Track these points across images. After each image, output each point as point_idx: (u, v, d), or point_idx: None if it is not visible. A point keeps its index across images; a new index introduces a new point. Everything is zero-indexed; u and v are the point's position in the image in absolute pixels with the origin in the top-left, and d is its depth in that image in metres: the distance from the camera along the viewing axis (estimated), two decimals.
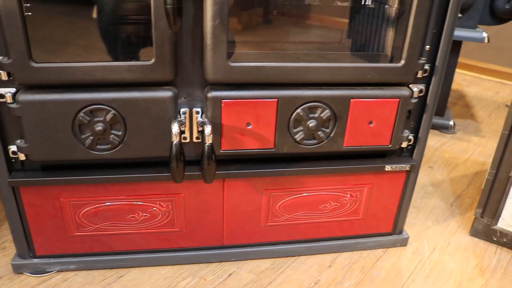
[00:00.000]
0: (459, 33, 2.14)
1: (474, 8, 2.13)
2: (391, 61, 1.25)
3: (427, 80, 1.28)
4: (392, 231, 1.49)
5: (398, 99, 1.23)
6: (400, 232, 1.51)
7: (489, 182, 1.47)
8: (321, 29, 1.35)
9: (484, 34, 2.10)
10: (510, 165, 1.41)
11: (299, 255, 1.44)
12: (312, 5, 1.27)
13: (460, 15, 2.12)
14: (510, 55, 1.26)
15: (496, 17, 2.14)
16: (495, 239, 1.54)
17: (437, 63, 1.25)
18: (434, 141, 2.24)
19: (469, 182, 1.91)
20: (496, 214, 1.50)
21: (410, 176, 1.38)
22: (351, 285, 1.35)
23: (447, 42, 1.23)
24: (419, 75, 1.25)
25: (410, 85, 1.26)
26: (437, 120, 2.34)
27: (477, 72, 3.32)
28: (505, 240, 1.53)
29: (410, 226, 1.60)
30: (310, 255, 1.44)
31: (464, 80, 3.22)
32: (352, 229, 1.45)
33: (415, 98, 1.26)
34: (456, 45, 2.20)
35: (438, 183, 1.89)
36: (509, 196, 1.45)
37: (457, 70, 3.32)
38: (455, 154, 2.12)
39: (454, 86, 3.05)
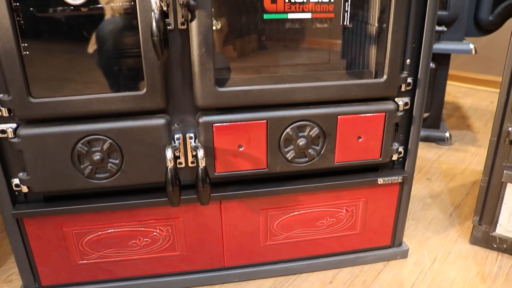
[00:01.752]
0: (446, 46, 2.19)
1: (459, 21, 2.18)
2: (375, 77, 1.30)
3: (411, 93, 1.32)
4: (391, 243, 1.51)
5: (384, 113, 1.27)
6: (400, 244, 1.53)
7: (483, 189, 1.49)
8: (307, 50, 1.40)
9: (471, 46, 2.15)
10: (502, 171, 1.43)
11: (301, 273, 1.46)
12: (296, 29, 1.32)
13: (446, 28, 2.18)
14: (501, 65, 1.30)
15: (481, 29, 2.19)
16: (495, 246, 1.56)
17: (419, 76, 1.29)
18: (432, 154, 2.26)
19: (467, 192, 1.93)
20: (493, 221, 1.52)
21: (404, 188, 1.41)
22: None
23: (427, 55, 1.27)
24: (403, 88, 1.29)
25: (396, 99, 1.30)
26: (433, 133, 2.37)
27: (472, 83, 3.36)
28: (505, 246, 1.54)
29: (410, 238, 1.62)
30: (311, 272, 1.46)
31: (459, 92, 3.26)
32: (351, 244, 1.47)
33: (401, 111, 1.30)
34: (445, 58, 2.25)
35: (436, 194, 1.91)
36: (503, 202, 1.47)
37: (452, 82, 3.38)
38: (452, 165, 2.14)
39: (449, 98, 3.09)
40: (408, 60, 1.27)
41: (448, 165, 2.15)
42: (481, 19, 2.15)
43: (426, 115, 2.34)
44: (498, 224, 1.51)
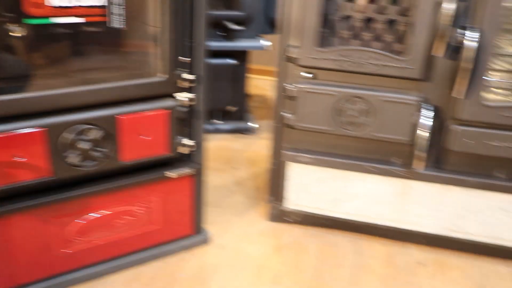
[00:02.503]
0: (242, 43, 2.36)
1: (253, 21, 2.37)
2: (155, 76, 1.35)
3: (195, 89, 1.39)
4: (193, 232, 1.59)
5: (165, 110, 1.33)
6: (202, 232, 1.61)
7: (272, 170, 1.65)
8: (85, 54, 1.40)
9: (263, 42, 2.35)
10: (281, 152, 1.60)
11: (105, 276, 1.46)
12: (70, 33, 1.31)
13: (241, 27, 2.34)
14: None
15: (274, 27, 2.41)
16: (289, 219, 1.74)
17: (197, 73, 1.38)
18: (239, 144, 2.42)
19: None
20: (283, 197, 1.69)
21: (197, 179, 1.50)
22: None
23: (202, 53, 1.36)
24: (184, 85, 1.36)
25: (178, 95, 1.37)
26: (240, 125, 2.54)
27: None
28: (296, 218, 1.73)
29: (215, 224, 1.72)
30: (116, 272, 1.47)
31: (268, 85, 3.53)
32: (154, 239, 1.52)
33: (185, 106, 1.37)
34: (242, 54, 2.42)
35: (241, 181, 2.06)
36: (287, 179, 1.65)
37: (261, 76, 3.62)
38: (257, 153, 2.32)
39: (258, 91, 3.32)
40: (185, 58, 1.35)
41: (253, 153, 2.33)
42: (273, 18, 2.36)
43: (233, 109, 2.49)
44: (287, 200, 1.69)
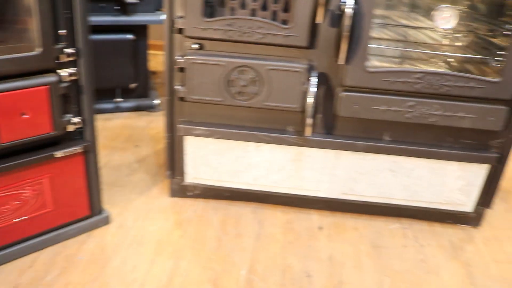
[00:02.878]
0: (141, 17, 2.29)
1: None
2: (33, 50, 1.27)
3: (77, 64, 1.33)
4: (91, 213, 1.54)
5: (45, 86, 1.26)
6: (100, 212, 1.57)
7: (168, 145, 1.63)
8: None
9: (164, 17, 2.29)
10: (177, 126, 1.58)
11: None
12: None
13: (138, 0, 2.27)
14: None
15: None
16: (189, 193, 1.73)
17: (79, 46, 1.31)
18: (142, 122, 2.37)
19: None
20: (183, 172, 1.67)
21: (89, 157, 1.44)
22: (54, 276, 1.36)
23: (83, 26, 1.29)
24: (64, 59, 1.29)
25: (58, 70, 1.30)
26: (143, 102, 2.48)
27: None
28: (197, 192, 1.72)
29: (115, 204, 1.68)
30: (9, 262, 1.39)
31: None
32: (48, 223, 1.45)
33: (66, 82, 1.31)
34: (141, 29, 2.35)
35: (143, 159, 2.02)
36: (185, 153, 1.63)
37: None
38: (160, 130, 2.28)
39: (161, 67, 3.25)
40: (63, 31, 1.28)
41: (156, 130, 2.29)
42: None
43: (134, 85, 2.41)
44: (186, 174, 1.68)
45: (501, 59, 1.50)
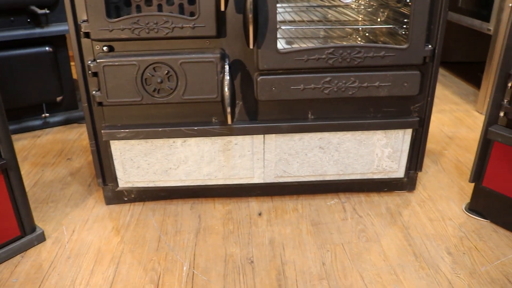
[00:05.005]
0: (56, 28, 2.22)
1: (59, 2, 2.24)
2: None
3: None
4: (22, 233, 1.49)
5: None
6: (34, 230, 1.52)
7: (94, 152, 1.59)
8: None
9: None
10: (100, 132, 1.55)
11: None
12: None
13: (47, 11, 2.19)
14: None
15: None
16: (125, 198, 1.70)
17: None
18: (73, 134, 2.31)
19: None
20: (114, 177, 1.64)
21: (10, 176, 1.40)
22: None
23: None
24: None
25: None
26: (72, 114, 2.42)
27: None
28: (133, 195, 1.70)
29: (49, 220, 1.64)
30: None
31: None
32: None
33: None
34: (59, 40, 2.29)
35: (76, 171, 1.97)
36: (114, 158, 1.60)
37: None
38: None
39: None
40: None
41: (88, 141, 2.23)
42: None
43: (60, 98, 2.35)
44: (118, 179, 1.65)
45: (406, 26, 1.55)
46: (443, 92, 2.95)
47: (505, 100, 1.44)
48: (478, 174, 1.60)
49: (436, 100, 2.76)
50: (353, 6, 2.11)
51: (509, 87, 1.42)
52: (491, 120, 1.50)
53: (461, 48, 3.52)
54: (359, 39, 1.95)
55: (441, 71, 3.37)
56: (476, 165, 1.59)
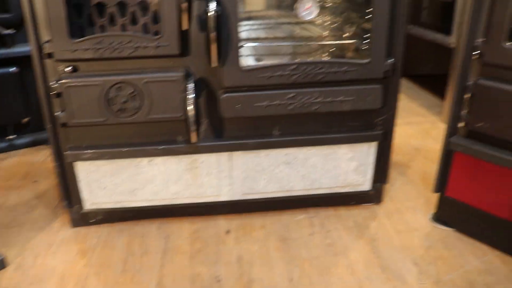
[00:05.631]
0: (22, 48, 2.19)
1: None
2: None
3: None
4: None
5: None
6: None
7: (58, 174, 1.57)
8: None
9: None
10: (67, 153, 1.53)
11: None
12: None
13: (12, 31, 2.16)
14: None
15: None
16: (92, 220, 1.68)
17: None
18: (40, 156, 2.27)
19: None
20: (80, 199, 1.62)
21: None
22: None
23: None
24: None
25: None
26: (39, 136, 2.38)
27: None
28: (100, 217, 1.67)
29: (13, 245, 1.59)
30: None
31: None
32: None
33: None
34: (26, 60, 2.23)
35: (43, 193, 1.93)
36: (78, 180, 1.58)
37: None
38: None
39: None
40: None
41: None
42: None
43: (26, 120, 2.31)
44: (85, 201, 1.62)
45: (367, 41, 1.58)
46: (410, 104, 3.01)
47: (463, 112, 1.48)
48: (441, 184, 1.63)
49: (403, 113, 2.81)
50: (318, 22, 2.15)
51: (466, 99, 1.47)
52: (451, 131, 1.54)
53: (428, 61, 3.61)
54: (326, 55, 1.99)
55: (408, 84, 3.45)
56: (439, 175, 1.62)
